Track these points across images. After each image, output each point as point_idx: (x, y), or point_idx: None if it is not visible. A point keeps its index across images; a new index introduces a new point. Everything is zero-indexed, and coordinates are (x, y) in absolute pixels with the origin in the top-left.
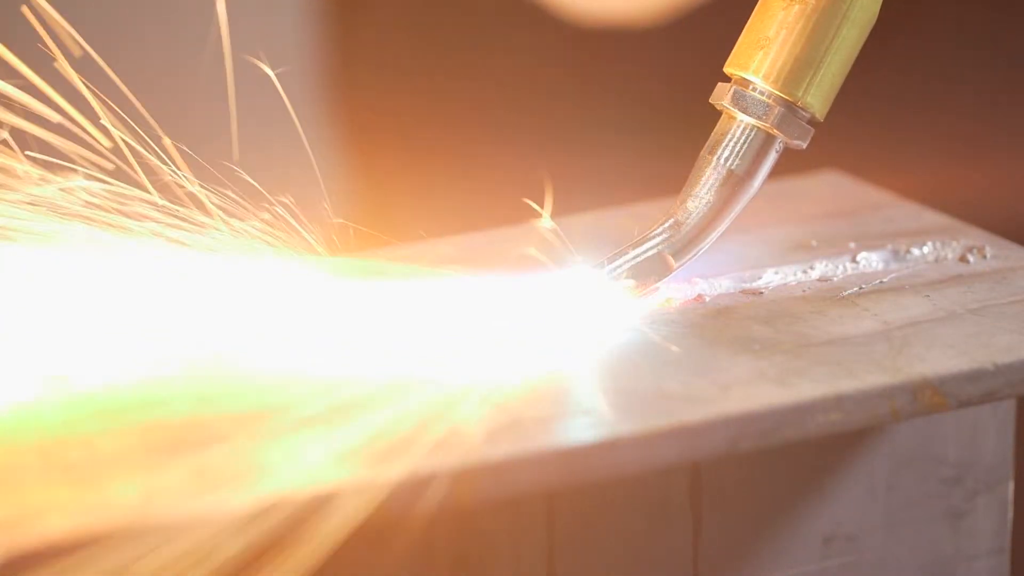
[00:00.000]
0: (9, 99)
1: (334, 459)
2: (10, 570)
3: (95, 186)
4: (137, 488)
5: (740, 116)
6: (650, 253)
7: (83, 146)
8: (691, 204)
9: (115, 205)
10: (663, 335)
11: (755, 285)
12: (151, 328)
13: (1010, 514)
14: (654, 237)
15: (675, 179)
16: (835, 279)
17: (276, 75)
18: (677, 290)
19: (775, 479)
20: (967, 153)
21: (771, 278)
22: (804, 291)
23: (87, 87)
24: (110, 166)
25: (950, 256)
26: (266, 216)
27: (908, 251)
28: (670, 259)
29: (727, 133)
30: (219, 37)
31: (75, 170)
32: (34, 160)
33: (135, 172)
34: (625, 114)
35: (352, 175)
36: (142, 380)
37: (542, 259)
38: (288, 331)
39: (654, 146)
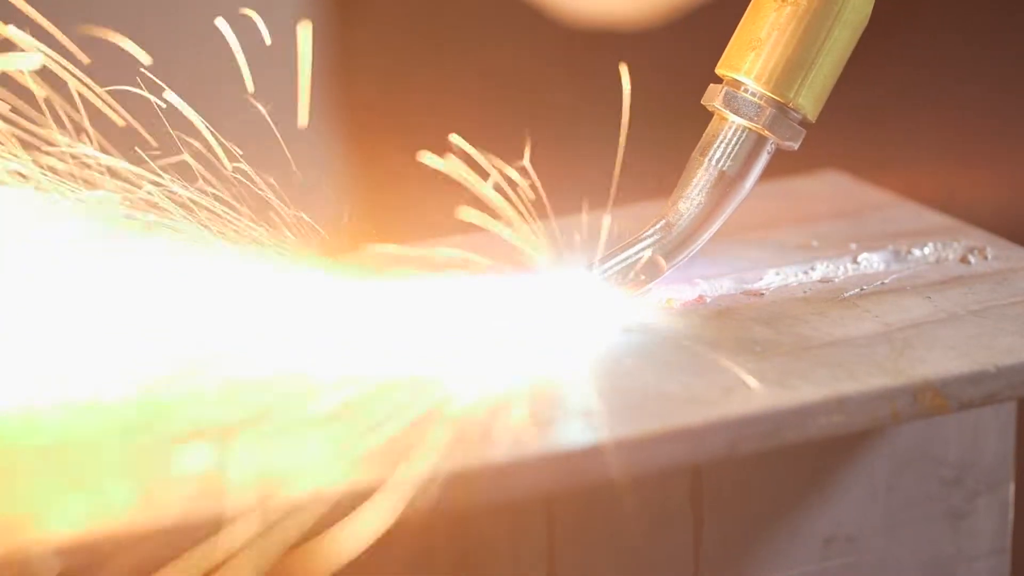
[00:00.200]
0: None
1: (334, 460)
2: (10, 571)
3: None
4: (137, 490)
5: (732, 117)
6: (641, 254)
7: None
8: (682, 205)
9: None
10: (665, 336)
11: (756, 286)
12: (151, 328)
13: (1011, 515)
14: (645, 238)
15: (668, 180)
16: (836, 280)
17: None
18: (678, 291)
19: (775, 480)
20: (968, 153)
21: (772, 279)
22: (805, 292)
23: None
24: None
25: (951, 257)
26: (266, 216)
27: (909, 252)
28: (661, 260)
29: (718, 134)
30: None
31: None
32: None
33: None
34: (619, 114)
35: (351, 175)
36: (143, 381)
37: (539, 259)
38: (288, 331)
39: (649, 147)
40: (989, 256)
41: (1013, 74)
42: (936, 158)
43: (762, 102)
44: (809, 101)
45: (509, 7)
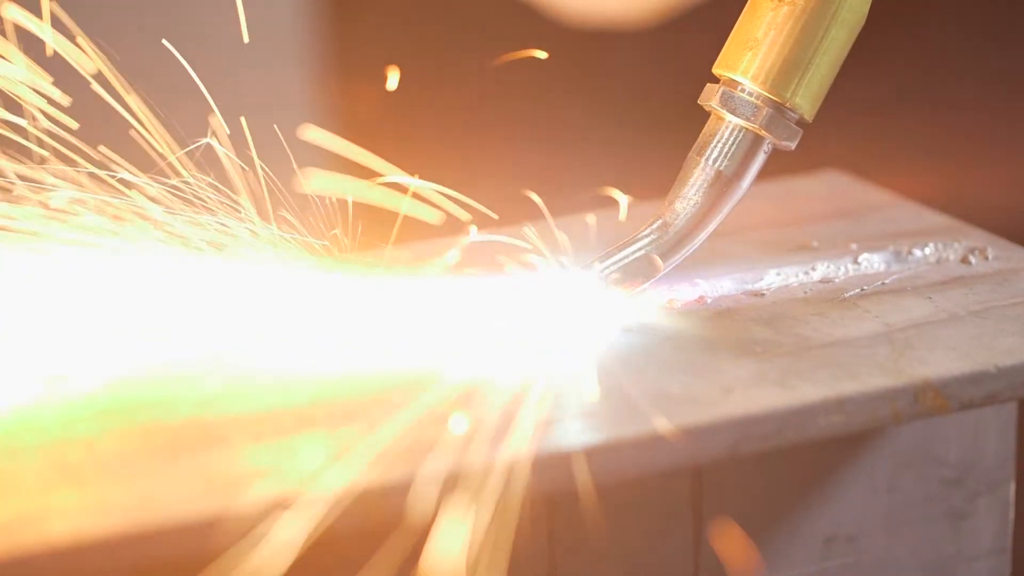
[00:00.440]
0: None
1: (334, 460)
2: (10, 572)
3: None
4: (137, 490)
5: (728, 117)
6: (638, 254)
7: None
8: (679, 205)
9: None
10: (665, 336)
11: (757, 287)
12: (151, 328)
13: (1011, 515)
14: (642, 238)
15: (665, 180)
16: (837, 280)
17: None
18: (679, 291)
19: (776, 480)
20: (969, 153)
21: (773, 279)
22: (806, 292)
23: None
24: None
25: (952, 257)
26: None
27: (910, 252)
28: (658, 260)
29: (715, 134)
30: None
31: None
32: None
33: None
34: (617, 115)
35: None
36: (142, 381)
37: (538, 260)
38: (288, 331)
39: (646, 147)
40: (990, 256)
41: (1013, 74)
42: (936, 158)
43: (759, 102)
44: (806, 101)
45: (508, 7)
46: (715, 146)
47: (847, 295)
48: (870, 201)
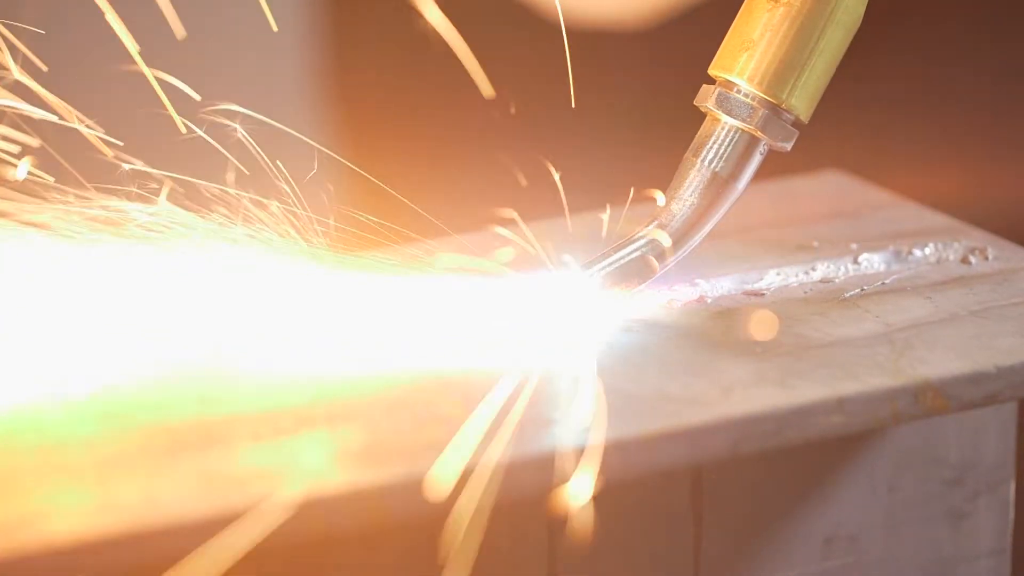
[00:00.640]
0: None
1: (335, 460)
2: (10, 572)
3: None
4: (138, 490)
5: (724, 118)
6: (634, 255)
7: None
8: (675, 206)
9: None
10: (665, 337)
11: (757, 286)
12: (151, 328)
13: (1011, 515)
14: (638, 239)
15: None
16: (837, 280)
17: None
18: (679, 291)
19: (776, 480)
20: (969, 153)
21: (773, 279)
22: (806, 292)
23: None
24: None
25: (952, 257)
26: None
27: (910, 252)
28: (653, 261)
29: (711, 135)
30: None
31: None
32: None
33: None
34: (615, 115)
35: (348, 175)
36: (142, 382)
37: (536, 260)
38: (288, 331)
39: (643, 147)
40: (990, 256)
41: (1014, 74)
42: (936, 158)
43: (755, 103)
44: (802, 102)
45: (506, 7)
46: (711, 147)
47: (847, 295)
48: (870, 201)
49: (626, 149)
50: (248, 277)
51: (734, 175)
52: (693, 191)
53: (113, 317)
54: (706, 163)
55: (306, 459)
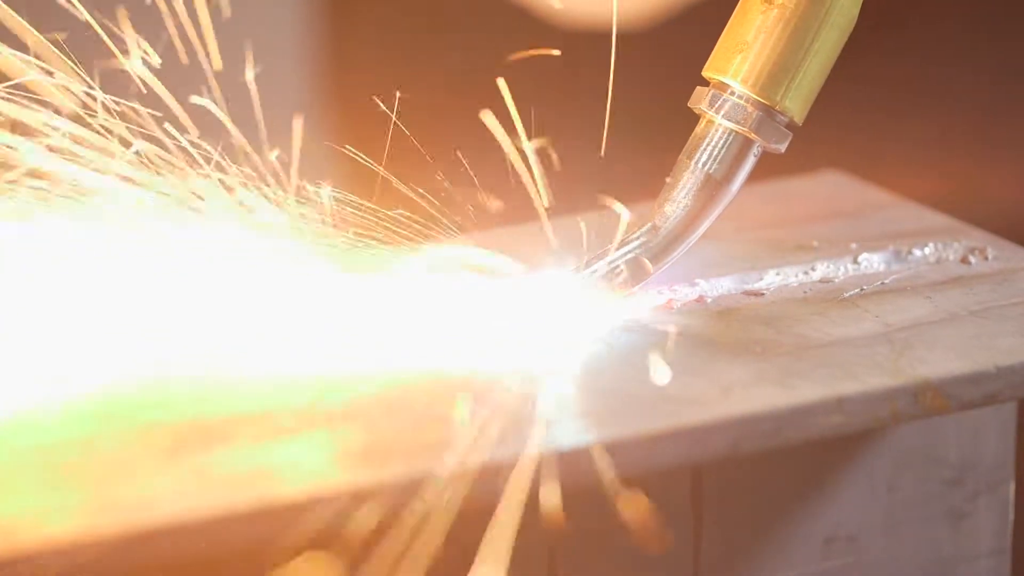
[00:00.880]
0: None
1: (334, 460)
2: (10, 572)
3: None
4: (137, 490)
5: (718, 120)
6: (628, 257)
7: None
8: (669, 208)
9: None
10: (664, 337)
11: (756, 286)
12: (151, 328)
13: (1011, 515)
14: (632, 241)
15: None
16: (836, 280)
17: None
18: (679, 291)
19: (776, 480)
20: (968, 153)
21: (772, 279)
22: (805, 292)
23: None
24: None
25: (951, 257)
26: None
27: (910, 252)
28: (647, 263)
29: (705, 137)
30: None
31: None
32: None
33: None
34: (612, 117)
35: (346, 174)
36: (142, 381)
37: (532, 261)
38: (288, 331)
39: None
40: (989, 256)
41: (1013, 74)
42: (936, 158)
43: (749, 105)
44: (796, 104)
45: (504, 8)
46: (705, 149)
47: (847, 295)
48: (870, 201)
49: (621, 150)
50: (248, 277)
51: (728, 177)
52: (687, 193)
53: (113, 317)
54: (700, 165)
55: (306, 459)
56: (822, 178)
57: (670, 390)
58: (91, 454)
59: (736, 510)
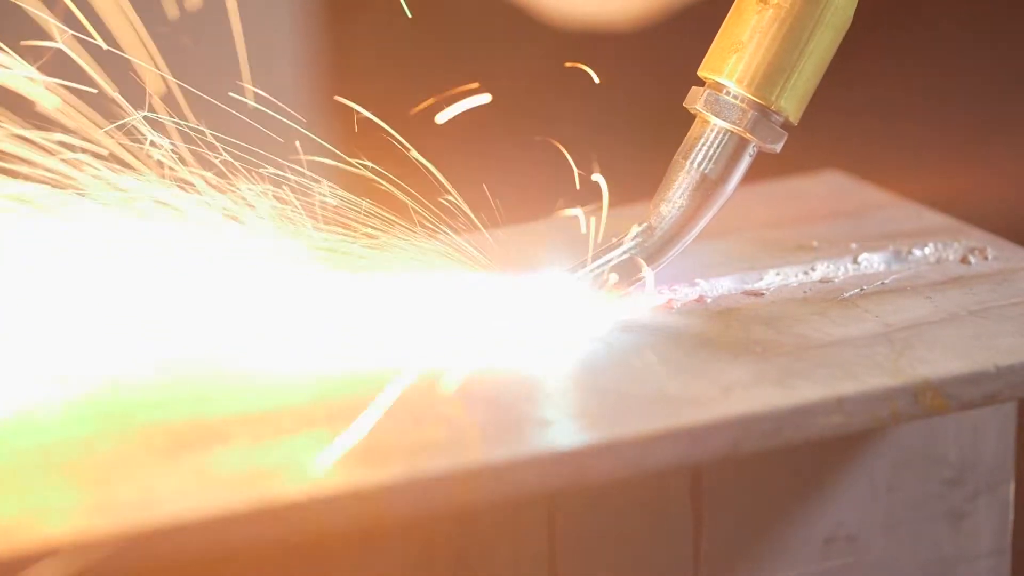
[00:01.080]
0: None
1: (334, 460)
2: (11, 572)
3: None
4: (137, 490)
5: (714, 120)
6: (623, 257)
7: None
8: (664, 208)
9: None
10: (662, 338)
11: (756, 286)
12: (151, 328)
13: (1011, 515)
14: (627, 241)
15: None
16: (836, 280)
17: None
18: (679, 291)
19: (776, 480)
20: (968, 153)
21: (772, 279)
22: (805, 292)
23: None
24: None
25: (951, 257)
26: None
27: (909, 252)
28: (642, 263)
29: (700, 137)
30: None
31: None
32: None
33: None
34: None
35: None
36: (142, 381)
37: (528, 261)
38: (288, 331)
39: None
40: (989, 256)
41: (1013, 74)
42: (936, 158)
43: (744, 105)
44: (791, 104)
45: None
46: (700, 149)
47: (847, 295)
48: (870, 201)
49: (616, 150)
50: (249, 277)
51: (723, 177)
52: (682, 193)
53: (113, 316)
54: (695, 165)
55: (306, 459)
56: (822, 178)
57: (670, 390)
58: (91, 454)
59: (736, 510)
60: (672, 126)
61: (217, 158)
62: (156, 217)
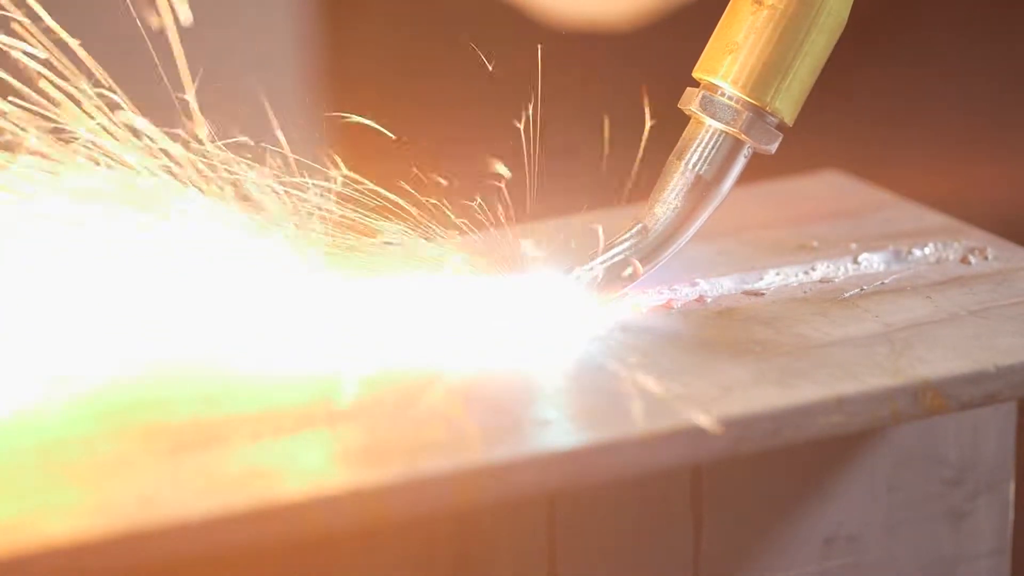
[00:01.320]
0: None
1: (335, 460)
2: (11, 572)
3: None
4: (138, 490)
5: (708, 121)
6: (618, 259)
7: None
8: (659, 210)
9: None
10: (662, 337)
11: (756, 286)
12: (151, 328)
13: (1011, 515)
14: (622, 243)
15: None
16: (836, 280)
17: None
18: (679, 291)
19: (776, 480)
20: (968, 153)
21: (772, 279)
22: (805, 292)
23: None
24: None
25: (951, 257)
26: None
27: (909, 252)
28: (637, 265)
29: (695, 138)
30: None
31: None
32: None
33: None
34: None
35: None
36: (143, 380)
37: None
38: (288, 331)
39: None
40: (989, 256)
41: (1013, 74)
42: (936, 158)
43: (739, 106)
44: (786, 105)
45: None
46: (695, 150)
47: (847, 295)
48: (870, 201)
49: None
50: (248, 277)
51: (718, 178)
52: (677, 194)
53: (113, 316)
54: (690, 166)
55: (306, 459)
56: (822, 178)
57: (670, 390)
58: (91, 454)
59: (736, 510)
60: (666, 127)
61: (217, 158)
62: (156, 217)
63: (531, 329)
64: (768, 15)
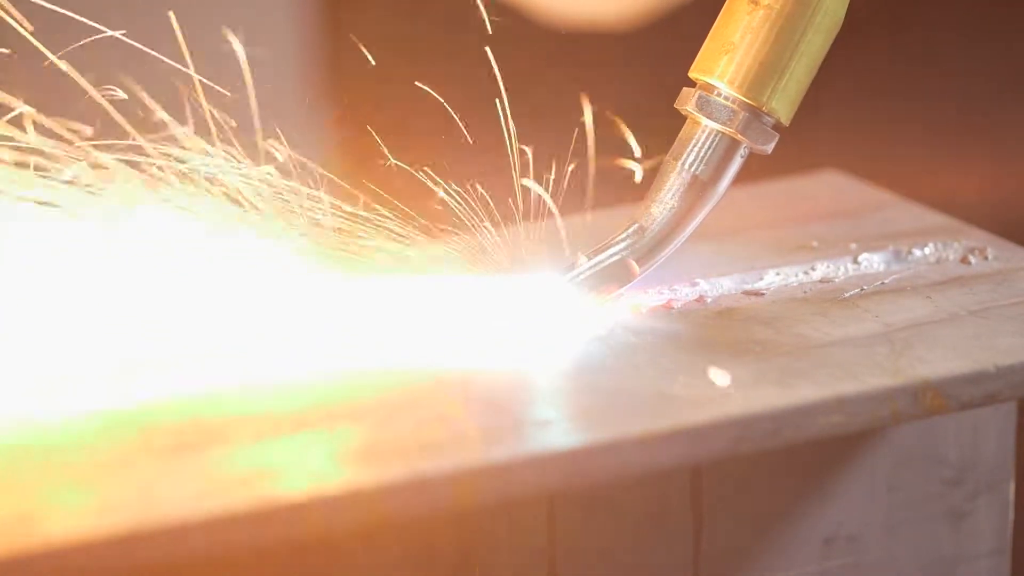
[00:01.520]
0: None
1: (335, 460)
2: (10, 572)
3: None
4: (137, 490)
5: (705, 121)
6: (614, 259)
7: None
8: (655, 209)
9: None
10: (662, 338)
11: (756, 286)
12: (151, 328)
13: (1011, 514)
14: (618, 243)
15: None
16: (836, 280)
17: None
18: (679, 291)
19: (776, 480)
20: (968, 153)
21: (772, 279)
22: (805, 292)
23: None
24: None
25: (951, 257)
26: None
27: (909, 252)
28: (634, 265)
29: (692, 138)
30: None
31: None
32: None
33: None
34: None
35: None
36: (143, 381)
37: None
38: (288, 331)
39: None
40: (989, 256)
41: (1013, 74)
42: (936, 158)
43: (735, 106)
44: (783, 105)
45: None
46: (691, 150)
47: (847, 295)
48: (870, 201)
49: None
50: (248, 277)
51: (714, 178)
52: (674, 194)
53: (113, 317)
54: (686, 166)
55: (306, 459)
56: (822, 178)
57: (670, 390)
58: (91, 454)
59: (736, 510)
60: (663, 127)
61: (217, 157)
62: (156, 217)
63: (531, 329)
64: (764, 15)
